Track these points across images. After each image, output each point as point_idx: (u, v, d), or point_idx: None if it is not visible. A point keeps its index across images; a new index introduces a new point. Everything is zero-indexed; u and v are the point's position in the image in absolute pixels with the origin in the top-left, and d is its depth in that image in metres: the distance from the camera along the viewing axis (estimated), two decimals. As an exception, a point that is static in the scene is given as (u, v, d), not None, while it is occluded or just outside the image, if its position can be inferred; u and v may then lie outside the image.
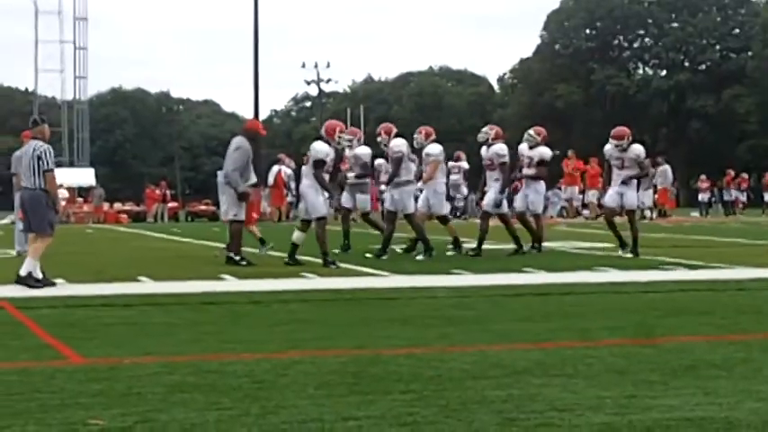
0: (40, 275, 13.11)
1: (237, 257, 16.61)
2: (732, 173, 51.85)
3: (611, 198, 18.74)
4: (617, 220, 18.77)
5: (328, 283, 13.60)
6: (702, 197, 51.83)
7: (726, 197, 51.58)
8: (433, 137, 18.70)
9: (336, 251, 17.73)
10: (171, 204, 52.58)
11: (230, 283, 13.75)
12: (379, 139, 18.89)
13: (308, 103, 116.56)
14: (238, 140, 17.26)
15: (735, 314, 10.07)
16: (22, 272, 13.04)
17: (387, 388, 6.34)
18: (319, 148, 16.18)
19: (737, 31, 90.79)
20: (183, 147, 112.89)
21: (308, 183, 16.42)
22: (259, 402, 5.93)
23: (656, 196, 42.43)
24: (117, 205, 53.45)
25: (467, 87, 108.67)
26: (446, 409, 5.73)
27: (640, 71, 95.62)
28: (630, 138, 19.04)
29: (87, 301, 11.41)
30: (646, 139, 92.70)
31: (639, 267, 15.72)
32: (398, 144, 18.31)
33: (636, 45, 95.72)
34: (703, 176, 52.93)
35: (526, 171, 19.69)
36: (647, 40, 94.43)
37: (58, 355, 7.79)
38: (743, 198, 52.39)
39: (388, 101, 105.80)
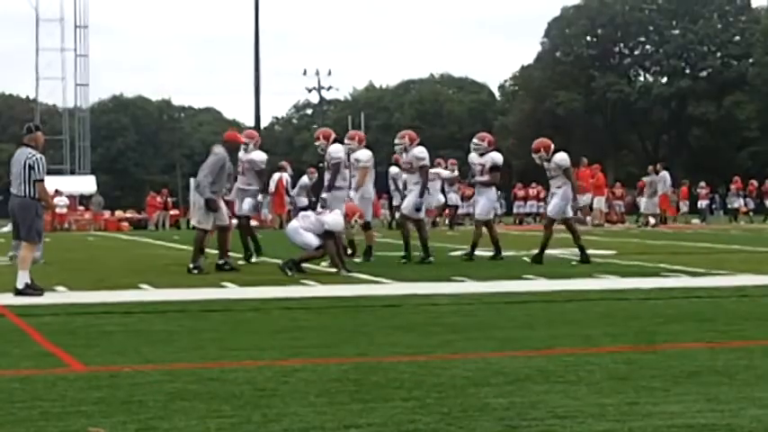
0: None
1: (191, 265, 16.55)
2: (739, 179, 51.86)
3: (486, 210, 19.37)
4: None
5: (330, 290, 13.60)
6: (701, 204, 51.85)
7: (730, 204, 51.57)
8: (364, 142, 18.81)
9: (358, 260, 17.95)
10: (172, 212, 52.55)
11: (231, 291, 13.74)
12: (317, 143, 18.70)
13: (310, 111, 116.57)
14: (216, 149, 17.27)
15: (737, 321, 10.06)
16: (19, 285, 12.98)
17: (388, 395, 6.33)
18: None
19: (738, 38, 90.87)
20: (185, 154, 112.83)
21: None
22: (260, 410, 5.92)
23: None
24: (118, 213, 53.47)
25: (468, 94, 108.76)
26: (448, 417, 5.72)
27: (641, 78, 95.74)
28: (549, 149, 18.94)
29: (88, 309, 11.41)
30: (647, 145, 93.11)
31: (641, 274, 15.72)
32: (337, 150, 18.27)
33: (637, 52, 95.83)
34: (702, 183, 52.98)
35: (479, 178, 19.47)
36: (647, 47, 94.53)
37: (59, 363, 7.78)
38: (751, 205, 52.40)
39: (390, 108, 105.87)
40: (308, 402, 6.13)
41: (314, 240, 15.98)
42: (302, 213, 17.09)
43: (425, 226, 19.19)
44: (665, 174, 43.17)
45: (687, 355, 7.87)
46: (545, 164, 18.85)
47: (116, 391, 6.49)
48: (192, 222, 17.19)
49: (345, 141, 18.80)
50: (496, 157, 19.39)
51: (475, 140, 19.85)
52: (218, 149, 17.19)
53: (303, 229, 16.10)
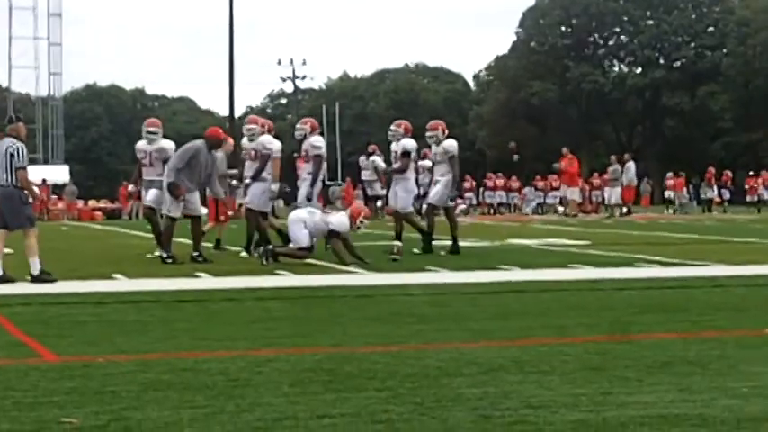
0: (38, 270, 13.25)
1: (165, 254, 16.53)
2: (713, 170, 51.90)
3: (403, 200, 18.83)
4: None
5: (304, 280, 13.58)
6: (669, 194, 51.93)
7: (703, 195, 51.68)
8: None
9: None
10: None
11: (205, 281, 13.72)
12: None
13: (284, 100, 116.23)
14: (198, 141, 17.15)
15: (709, 311, 10.10)
16: (34, 271, 13.19)
17: (362, 385, 6.33)
18: None
19: (712, 28, 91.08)
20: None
21: None
22: (233, 400, 5.91)
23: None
24: (92, 202, 53.28)
25: (443, 84, 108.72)
26: (421, 407, 5.72)
27: (615, 68, 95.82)
28: (444, 131, 18.82)
29: (61, 299, 11.37)
30: (621, 136, 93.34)
31: (615, 264, 15.77)
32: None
33: (611, 42, 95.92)
34: (670, 174, 53.06)
35: (395, 165, 19.05)
36: (622, 37, 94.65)
37: (31, 353, 7.75)
38: (727, 195, 52.52)
39: (364, 98, 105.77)
40: (282, 392, 6.12)
41: (304, 241, 15.88)
42: (310, 209, 16.82)
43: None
44: (630, 165, 43.09)
45: (660, 345, 7.89)
46: (433, 146, 18.77)
47: (89, 382, 6.47)
48: (162, 211, 17.09)
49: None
50: (407, 144, 18.76)
51: (392, 127, 19.42)
52: (195, 143, 17.13)
53: (306, 225, 15.96)
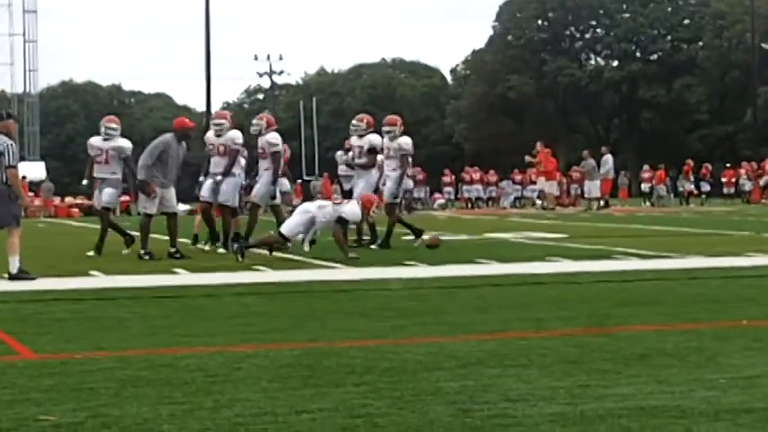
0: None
1: (142, 251, 16.47)
2: (691, 163, 52.09)
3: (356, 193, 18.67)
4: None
5: (282, 275, 13.57)
6: (645, 187, 52.10)
7: (681, 187, 51.88)
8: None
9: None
10: (123, 198, 52.16)
11: (183, 277, 13.69)
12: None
13: (261, 96, 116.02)
14: (164, 136, 17.10)
15: (687, 303, 10.13)
16: (13, 270, 13.07)
17: (340, 380, 6.33)
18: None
19: (688, 21, 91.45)
20: (136, 140, 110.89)
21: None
22: (212, 396, 5.90)
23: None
24: (68, 199, 53.04)
25: (420, 79, 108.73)
26: (400, 401, 5.72)
27: (592, 62, 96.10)
28: (401, 128, 18.84)
29: (39, 296, 11.33)
30: (599, 129, 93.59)
31: (592, 257, 15.80)
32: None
33: (587, 36, 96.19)
34: (646, 166, 53.24)
35: (358, 161, 19.06)
36: (598, 30, 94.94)
37: (9, 351, 7.72)
38: (707, 188, 52.78)
39: (341, 93, 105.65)
40: (260, 388, 6.12)
41: (290, 230, 15.82)
42: (320, 203, 16.83)
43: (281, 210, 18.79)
44: (608, 158, 43.19)
45: (638, 337, 7.92)
46: (387, 141, 18.73)
47: (67, 379, 6.45)
48: (139, 208, 17.03)
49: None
50: (374, 139, 18.88)
51: (354, 122, 19.49)
52: (163, 137, 17.07)
53: (316, 217, 15.92)
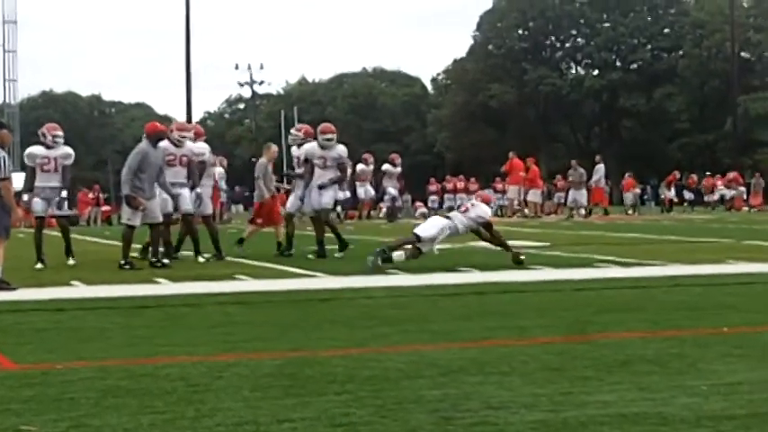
0: None
1: (122, 261, 16.39)
2: (677, 174, 52.53)
3: (292, 204, 18.99)
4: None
5: (263, 285, 13.55)
6: (626, 196, 52.34)
7: (662, 195, 52.12)
8: (204, 136, 18.82)
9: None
10: (104, 208, 52.19)
11: (164, 287, 13.66)
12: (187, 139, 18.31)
13: (242, 105, 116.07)
14: (140, 145, 17.03)
15: (668, 310, 10.15)
16: None
17: (322, 389, 6.32)
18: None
19: (668, 30, 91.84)
20: (116, 150, 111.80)
21: None
22: (193, 405, 5.88)
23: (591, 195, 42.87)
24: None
25: (401, 88, 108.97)
26: (382, 410, 5.72)
27: (573, 71, 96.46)
28: (335, 135, 18.70)
29: (19, 306, 11.29)
30: (579, 138, 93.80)
31: (574, 265, 15.82)
32: (205, 147, 18.42)
33: (568, 45, 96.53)
34: (627, 174, 53.51)
35: (298, 170, 19.03)
36: (579, 39, 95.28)
37: (-11, 362, 7.69)
38: (690, 197, 53.09)
39: (322, 102, 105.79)
40: (242, 397, 6.10)
41: (425, 233, 15.88)
42: (452, 214, 16.99)
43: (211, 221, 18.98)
44: (600, 167, 43.61)
45: (619, 344, 7.92)
46: (323, 149, 18.47)
47: (47, 389, 6.42)
48: (122, 219, 16.95)
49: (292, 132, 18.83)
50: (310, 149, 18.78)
51: (292, 131, 19.75)
52: (140, 146, 16.98)
53: (449, 228, 16.09)
